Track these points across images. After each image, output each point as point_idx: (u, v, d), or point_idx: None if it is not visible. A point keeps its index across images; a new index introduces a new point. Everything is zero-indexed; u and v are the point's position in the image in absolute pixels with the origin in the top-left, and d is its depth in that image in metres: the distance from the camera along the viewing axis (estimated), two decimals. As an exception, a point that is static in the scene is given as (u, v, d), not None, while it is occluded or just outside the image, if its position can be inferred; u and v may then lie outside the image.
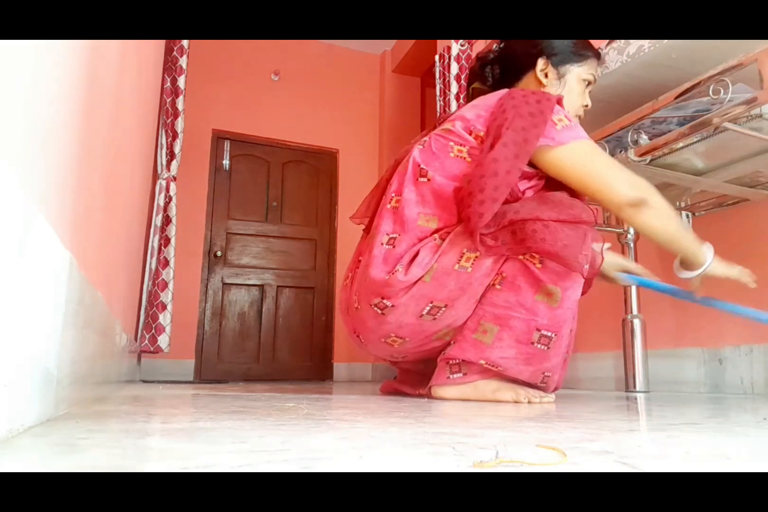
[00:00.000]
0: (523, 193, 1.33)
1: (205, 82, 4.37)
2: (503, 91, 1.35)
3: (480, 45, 3.83)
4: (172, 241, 3.22)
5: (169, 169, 3.23)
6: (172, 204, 3.24)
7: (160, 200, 3.19)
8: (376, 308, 1.33)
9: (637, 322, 2.13)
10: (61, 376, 0.75)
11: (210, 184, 4.39)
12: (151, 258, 3.09)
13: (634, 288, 2.16)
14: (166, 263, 3.18)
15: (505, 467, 0.40)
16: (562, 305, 1.28)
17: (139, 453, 0.48)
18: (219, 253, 4.31)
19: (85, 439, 0.54)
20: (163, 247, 3.19)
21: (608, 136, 1.61)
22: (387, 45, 5.08)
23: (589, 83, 1.45)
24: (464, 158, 1.32)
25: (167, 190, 3.22)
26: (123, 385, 2.00)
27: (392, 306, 1.31)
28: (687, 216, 1.97)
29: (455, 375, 1.36)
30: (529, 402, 1.30)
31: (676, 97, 1.43)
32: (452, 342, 1.37)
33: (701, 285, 1.40)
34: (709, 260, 1.32)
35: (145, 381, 2.98)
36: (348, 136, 4.84)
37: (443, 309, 1.30)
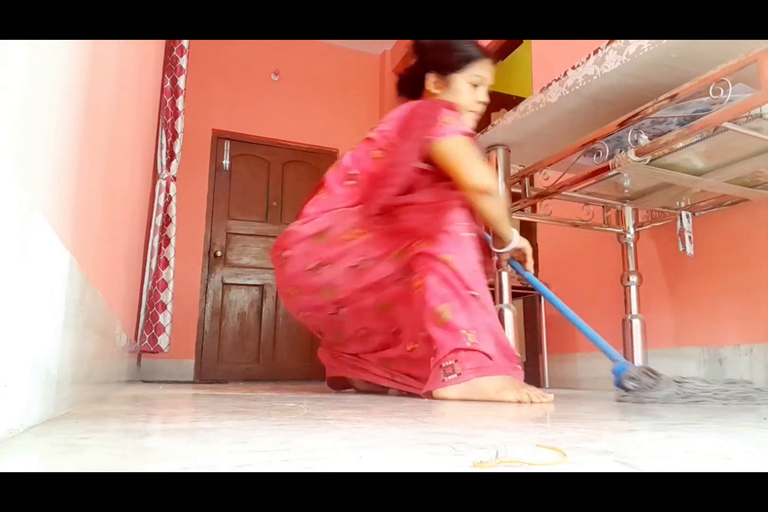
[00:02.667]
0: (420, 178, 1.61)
1: (205, 82, 4.37)
2: (407, 104, 1.68)
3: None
4: (172, 241, 3.22)
5: (169, 169, 3.23)
6: (172, 204, 3.24)
7: (160, 200, 3.19)
8: (279, 259, 1.65)
9: (637, 322, 2.13)
10: (62, 376, 0.75)
11: (210, 184, 4.39)
12: (151, 258, 3.08)
13: (634, 289, 2.16)
14: (166, 263, 3.18)
15: (505, 467, 0.40)
16: (459, 268, 1.48)
17: (139, 453, 0.48)
18: (219, 253, 4.31)
19: (85, 439, 0.54)
20: (163, 247, 3.18)
21: (608, 136, 1.61)
22: (387, 45, 5.08)
23: (476, 84, 1.72)
24: (381, 159, 1.62)
25: (167, 190, 3.22)
26: (123, 385, 2.00)
27: (288, 256, 1.62)
28: (687, 216, 1.97)
29: (450, 377, 1.41)
30: (531, 402, 1.33)
31: (672, 97, 1.43)
32: (435, 348, 1.45)
33: (508, 258, 1.79)
34: (516, 239, 1.68)
35: (145, 381, 2.98)
36: (348, 136, 4.83)
37: (324, 267, 1.58)
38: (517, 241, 1.69)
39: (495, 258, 1.78)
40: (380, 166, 1.60)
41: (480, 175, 1.54)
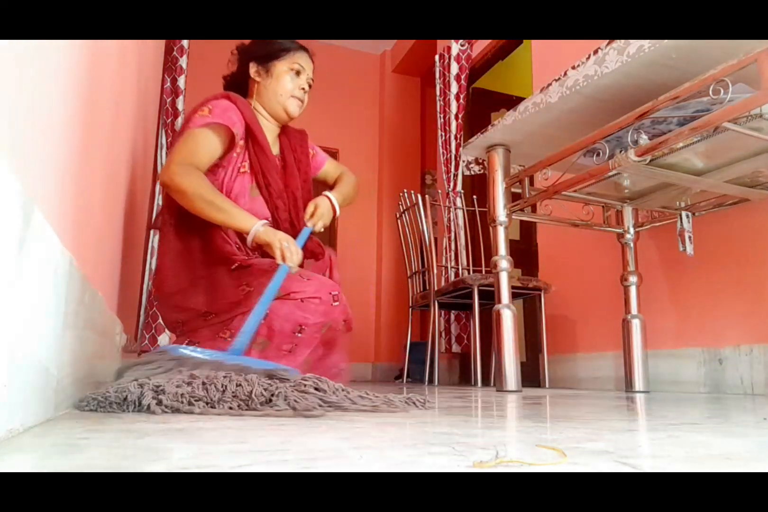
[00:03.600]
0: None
1: (205, 82, 4.37)
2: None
3: (480, 45, 3.83)
4: (172, 241, 3.22)
5: (169, 169, 3.23)
6: (172, 204, 3.23)
7: (160, 200, 3.19)
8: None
9: (637, 322, 2.13)
10: (61, 376, 0.75)
11: (210, 184, 4.38)
12: (151, 258, 3.09)
13: (634, 289, 2.16)
14: (166, 263, 3.18)
15: (505, 467, 0.40)
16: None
17: (139, 453, 0.48)
18: (219, 253, 4.31)
19: (85, 439, 0.54)
20: (163, 247, 3.18)
21: (608, 136, 1.61)
22: (387, 45, 5.08)
23: (297, 71, 1.75)
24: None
25: (167, 190, 3.22)
26: (123, 385, 2.00)
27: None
28: (687, 216, 1.97)
29: None
30: None
31: (673, 97, 1.43)
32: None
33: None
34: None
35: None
36: (348, 136, 4.84)
37: None
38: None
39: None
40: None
41: (184, 168, 1.48)
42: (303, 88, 1.76)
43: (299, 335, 1.45)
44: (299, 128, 1.88)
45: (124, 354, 2.06)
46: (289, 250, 1.43)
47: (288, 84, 1.73)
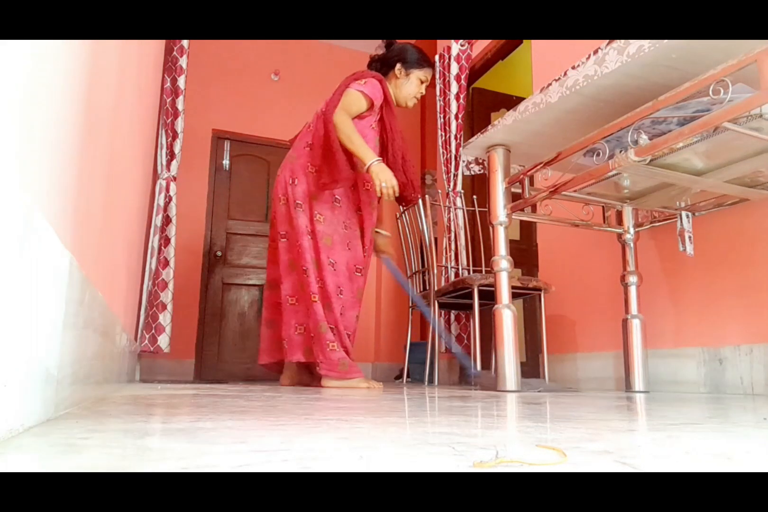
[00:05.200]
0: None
1: (205, 82, 4.37)
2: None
3: (480, 45, 3.83)
4: (172, 241, 3.22)
5: (169, 169, 3.23)
6: (172, 204, 3.24)
7: (160, 200, 3.19)
8: None
9: (637, 322, 2.13)
10: (62, 376, 0.75)
11: (210, 184, 4.39)
12: (151, 258, 3.09)
13: (633, 289, 2.16)
14: (166, 263, 3.18)
15: (505, 467, 0.40)
16: None
17: (139, 453, 0.48)
18: (219, 253, 4.31)
19: (85, 439, 0.54)
20: (163, 247, 3.19)
21: (608, 136, 1.61)
22: (387, 45, 5.08)
23: (423, 82, 2.52)
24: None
25: (167, 190, 3.22)
26: (123, 385, 2.00)
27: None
28: (687, 216, 1.97)
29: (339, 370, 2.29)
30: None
31: (673, 97, 1.43)
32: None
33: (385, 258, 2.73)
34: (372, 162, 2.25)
35: (144, 381, 2.98)
36: (348, 136, 4.82)
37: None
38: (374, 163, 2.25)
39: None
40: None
41: (346, 115, 2.31)
42: (421, 93, 2.54)
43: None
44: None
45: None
46: (386, 188, 2.21)
47: (416, 88, 2.52)
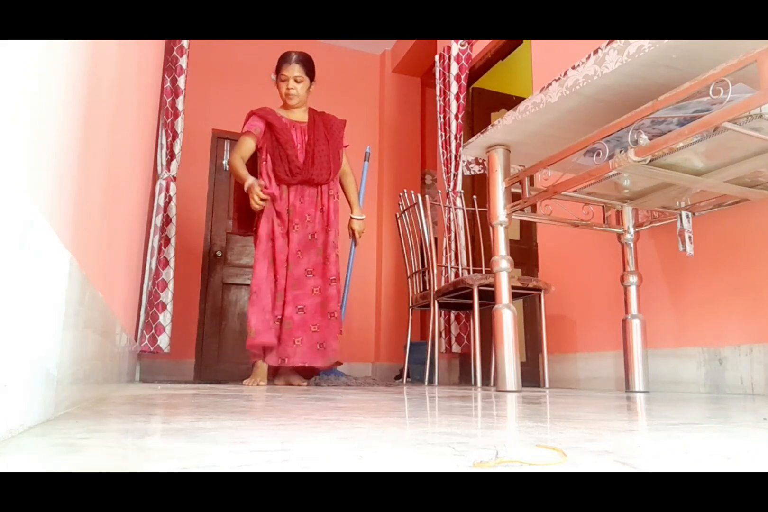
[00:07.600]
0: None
1: (205, 82, 4.37)
2: None
3: (480, 45, 3.83)
4: (172, 241, 3.22)
5: (169, 169, 3.23)
6: (172, 204, 3.24)
7: (160, 200, 3.19)
8: None
9: (637, 322, 2.13)
10: (62, 376, 0.75)
11: (210, 184, 4.39)
12: (151, 258, 3.08)
13: (633, 289, 2.16)
14: (166, 263, 3.18)
15: (505, 467, 0.40)
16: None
17: (139, 453, 0.48)
18: (219, 253, 4.31)
19: (85, 439, 0.54)
20: (163, 247, 3.19)
21: (608, 136, 1.61)
22: (387, 45, 5.08)
23: (283, 80, 2.86)
24: None
25: (167, 190, 3.22)
26: (123, 385, 2.00)
27: None
28: (687, 216, 1.97)
29: None
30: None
31: (672, 97, 1.43)
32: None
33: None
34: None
35: (144, 381, 2.98)
36: (348, 136, 4.82)
37: None
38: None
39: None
40: None
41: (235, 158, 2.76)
42: (288, 88, 2.85)
43: None
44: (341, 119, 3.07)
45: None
46: (252, 196, 2.70)
47: (282, 88, 2.88)
